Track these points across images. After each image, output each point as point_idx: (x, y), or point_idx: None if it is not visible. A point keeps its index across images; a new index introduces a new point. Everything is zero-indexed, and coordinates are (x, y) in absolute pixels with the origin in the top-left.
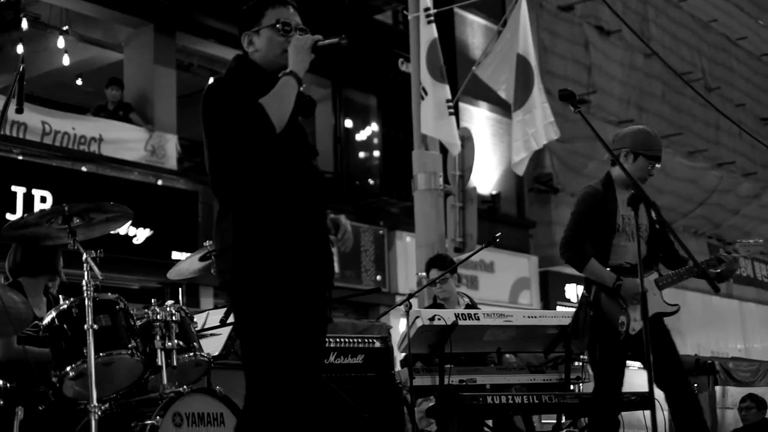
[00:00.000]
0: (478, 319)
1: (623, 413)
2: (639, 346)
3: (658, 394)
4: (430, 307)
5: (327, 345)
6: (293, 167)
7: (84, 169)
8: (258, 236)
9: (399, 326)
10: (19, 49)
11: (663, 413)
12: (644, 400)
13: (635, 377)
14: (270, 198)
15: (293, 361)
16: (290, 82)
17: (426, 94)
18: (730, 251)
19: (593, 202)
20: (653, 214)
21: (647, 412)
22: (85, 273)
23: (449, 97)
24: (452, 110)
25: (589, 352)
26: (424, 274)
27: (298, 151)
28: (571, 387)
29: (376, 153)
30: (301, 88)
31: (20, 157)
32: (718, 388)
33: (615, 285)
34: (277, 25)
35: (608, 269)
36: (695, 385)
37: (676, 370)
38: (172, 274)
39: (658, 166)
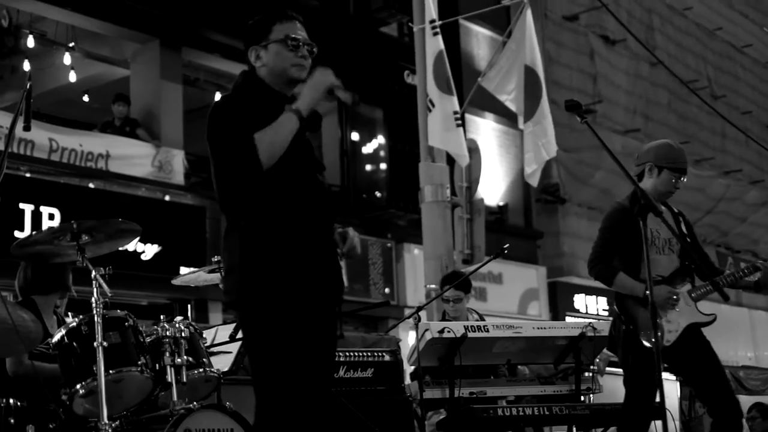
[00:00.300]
0: (488, 331)
1: None
2: (673, 357)
3: (668, 403)
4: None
5: (337, 359)
6: (299, 183)
7: (91, 185)
8: (264, 255)
9: (408, 339)
10: (26, 66)
11: (674, 423)
12: (655, 410)
13: None
14: (276, 214)
15: (303, 378)
16: (291, 120)
17: (433, 106)
18: (766, 259)
19: (620, 218)
20: (683, 225)
21: (659, 422)
22: (94, 290)
23: (457, 108)
24: (460, 122)
25: (622, 364)
26: (433, 286)
27: (304, 166)
28: (582, 398)
29: (383, 165)
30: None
31: (28, 175)
32: None
33: (645, 295)
34: (287, 41)
35: (641, 282)
36: None
37: (718, 382)
38: (177, 281)
39: (683, 179)
